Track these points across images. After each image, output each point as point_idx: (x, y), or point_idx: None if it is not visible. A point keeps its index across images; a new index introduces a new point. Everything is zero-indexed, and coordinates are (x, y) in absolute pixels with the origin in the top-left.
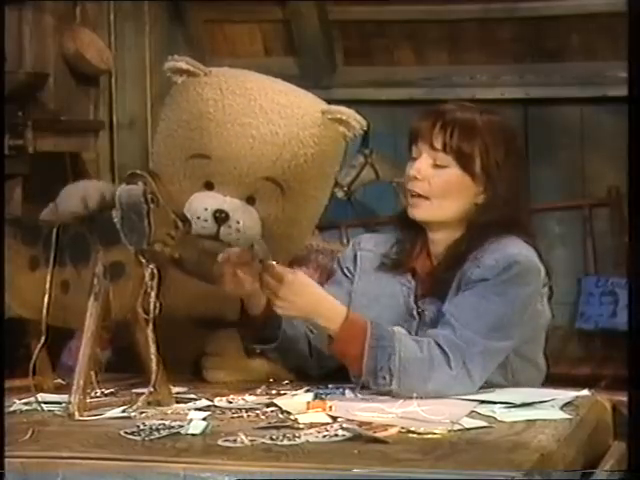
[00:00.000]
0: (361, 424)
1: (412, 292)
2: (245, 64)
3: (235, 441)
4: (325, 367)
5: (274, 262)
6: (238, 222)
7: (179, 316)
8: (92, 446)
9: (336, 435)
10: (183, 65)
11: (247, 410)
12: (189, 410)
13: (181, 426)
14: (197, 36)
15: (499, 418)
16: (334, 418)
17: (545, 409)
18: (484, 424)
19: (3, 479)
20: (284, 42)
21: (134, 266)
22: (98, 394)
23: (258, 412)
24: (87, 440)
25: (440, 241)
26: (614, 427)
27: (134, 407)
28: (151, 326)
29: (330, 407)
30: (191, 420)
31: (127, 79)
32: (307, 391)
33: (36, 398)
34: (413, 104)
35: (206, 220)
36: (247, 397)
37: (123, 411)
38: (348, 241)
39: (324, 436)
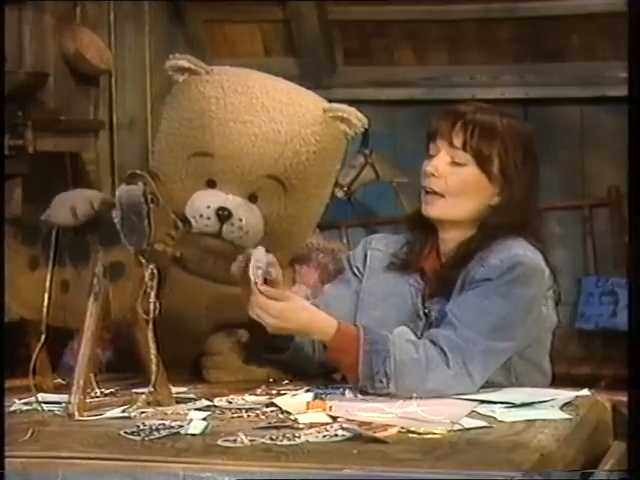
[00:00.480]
0: (361, 424)
1: (420, 292)
2: (245, 64)
3: (235, 441)
4: (326, 366)
5: (267, 287)
6: (241, 220)
7: (189, 319)
8: (92, 446)
9: (336, 435)
10: (185, 63)
11: (247, 410)
12: (189, 410)
13: (181, 426)
14: (197, 36)
15: (499, 418)
16: (334, 418)
17: (545, 409)
18: (484, 424)
19: (3, 479)
20: (284, 42)
21: (134, 266)
22: (98, 394)
23: (258, 412)
24: (87, 440)
25: (451, 240)
26: (614, 427)
27: (134, 407)
28: (151, 326)
29: (330, 407)
30: (191, 420)
31: (127, 79)
32: (307, 391)
33: (36, 398)
34: (413, 104)
35: (209, 218)
36: (247, 397)
37: (123, 411)
38: (348, 241)
39: (324, 436)
